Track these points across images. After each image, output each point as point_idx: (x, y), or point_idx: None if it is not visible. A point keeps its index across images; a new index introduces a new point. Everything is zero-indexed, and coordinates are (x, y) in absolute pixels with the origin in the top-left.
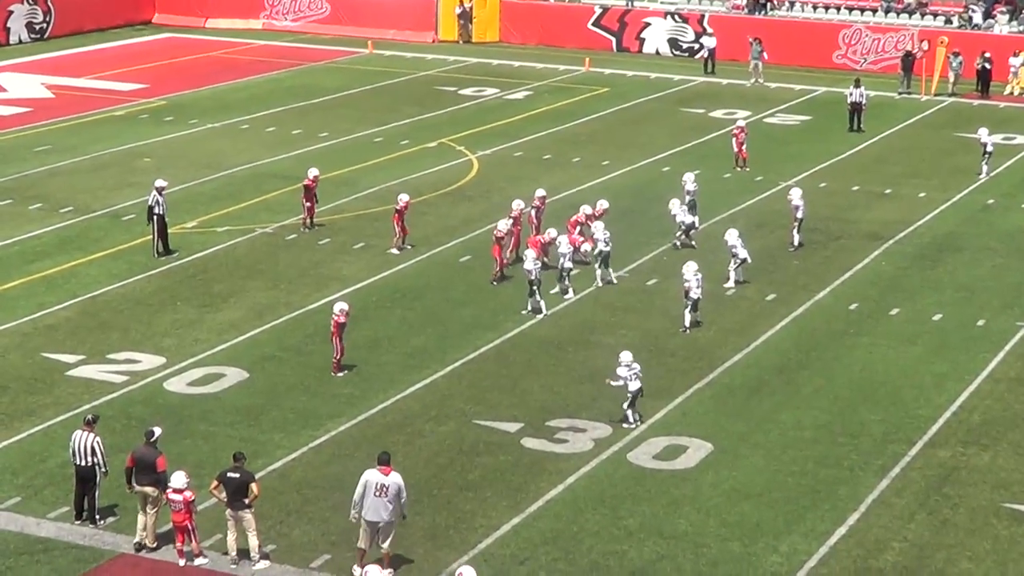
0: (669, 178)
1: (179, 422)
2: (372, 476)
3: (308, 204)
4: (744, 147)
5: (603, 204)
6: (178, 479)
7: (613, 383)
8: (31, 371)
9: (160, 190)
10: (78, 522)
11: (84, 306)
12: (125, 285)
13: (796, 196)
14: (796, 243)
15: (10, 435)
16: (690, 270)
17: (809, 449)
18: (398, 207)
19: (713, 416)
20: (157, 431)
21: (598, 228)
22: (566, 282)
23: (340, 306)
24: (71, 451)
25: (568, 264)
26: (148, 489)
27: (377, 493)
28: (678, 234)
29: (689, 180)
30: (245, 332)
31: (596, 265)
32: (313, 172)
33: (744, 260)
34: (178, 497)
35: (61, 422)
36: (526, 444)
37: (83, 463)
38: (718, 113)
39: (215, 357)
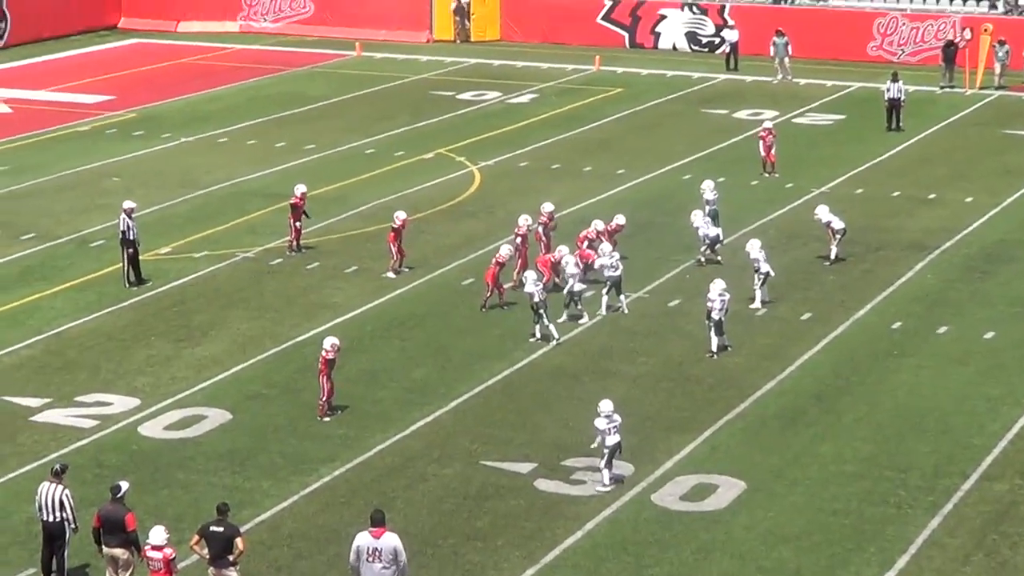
0: (690, 187)
1: (156, 470)
2: (363, 540)
3: (296, 224)
4: (772, 151)
5: (619, 219)
6: (157, 535)
7: (594, 445)
8: None
9: (129, 212)
10: None
11: (49, 343)
12: (94, 319)
13: (824, 212)
14: (833, 257)
15: None
16: (716, 289)
17: (852, 485)
18: (395, 226)
19: (745, 451)
20: (124, 485)
21: (605, 250)
22: (578, 307)
23: (330, 341)
24: (37, 505)
25: (578, 286)
26: (117, 551)
27: (369, 558)
28: (702, 249)
29: (708, 189)
30: (227, 368)
31: (604, 291)
32: (300, 189)
33: (767, 275)
34: (157, 555)
35: (26, 473)
36: (539, 486)
37: (51, 519)
38: (743, 114)
39: (194, 397)
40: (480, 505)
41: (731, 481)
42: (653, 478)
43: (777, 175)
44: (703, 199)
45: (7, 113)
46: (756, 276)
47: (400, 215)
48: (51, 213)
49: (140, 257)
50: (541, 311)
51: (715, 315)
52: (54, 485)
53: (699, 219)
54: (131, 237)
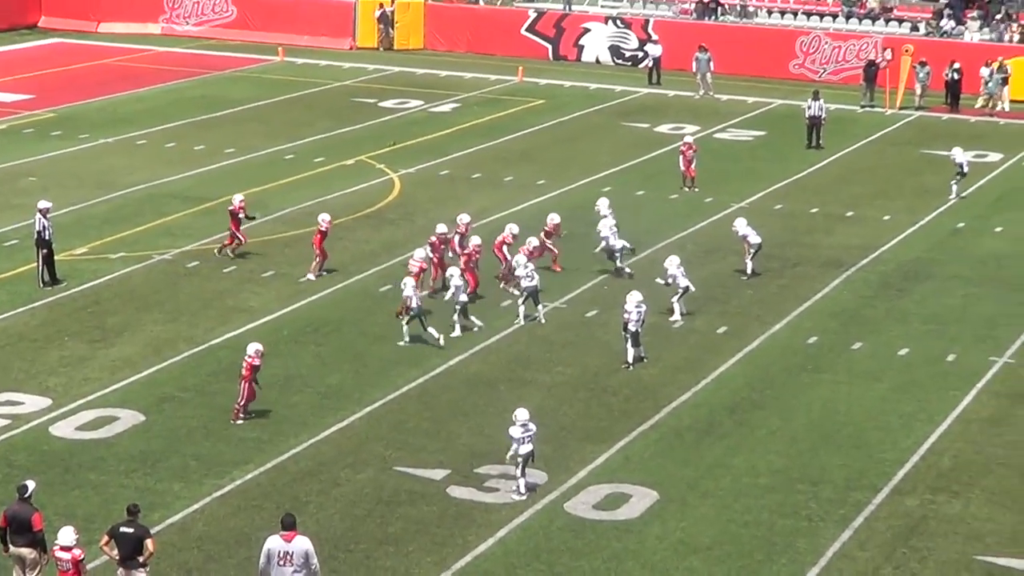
0: (611, 198)
1: (67, 471)
2: (274, 544)
3: (234, 231)
4: (693, 165)
5: (554, 219)
6: (66, 535)
7: (509, 455)
8: None
9: (45, 212)
10: None
11: None
12: (6, 318)
13: (741, 225)
14: (749, 271)
15: None
16: (632, 300)
17: (764, 497)
18: (321, 229)
19: (659, 461)
20: (31, 485)
21: (520, 261)
22: (468, 317)
23: (255, 347)
24: None
25: (463, 298)
26: (24, 551)
27: (280, 562)
28: (618, 261)
29: (604, 206)
30: (141, 370)
31: (520, 301)
32: (238, 198)
33: (687, 289)
34: (65, 556)
35: None
36: (452, 493)
37: None
38: (664, 128)
39: (107, 398)
40: (393, 511)
41: (644, 491)
42: (566, 487)
43: (697, 189)
44: (599, 215)
45: None
46: (677, 289)
47: (325, 218)
48: None
49: (55, 257)
50: (420, 317)
51: (632, 326)
52: None
53: (606, 228)
54: (46, 237)
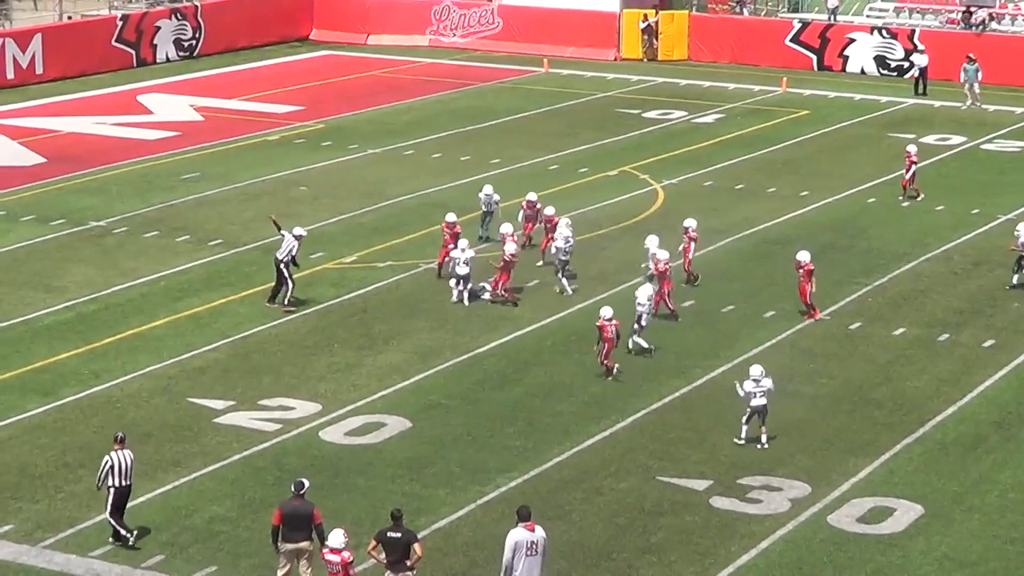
0: (875, 211)
1: (336, 475)
2: (521, 535)
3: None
4: (910, 174)
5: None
6: (336, 538)
7: (741, 391)
8: (176, 418)
9: (299, 239)
10: (118, 543)
11: (234, 347)
12: (278, 325)
13: None
14: (1015, 282)
15: (153, 487)
16: (644, 294)
17: None
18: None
19: (923, 475)
20: (307, 483)
21: (561, 231)
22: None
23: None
24: (115, 472)
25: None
26: (303, 544)
27: (529, 552)
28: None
29: (564, 225)
30: (408, 377)
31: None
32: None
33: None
34: (335, 558)
35: (210, 473)
36: (715, 504)
37: (126, 483)
38: (930, 139)
39: (375, 404)
40: (655, 520)
41: (908, 505)
42: (830, 499)
43: (921, 197)
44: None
45: (199, 121)
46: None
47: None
48: (239, 220)
49: (325, 266)
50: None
51: (644, 320)
52: (124, 452)
53: (565, 233)
54: (281, 257)
